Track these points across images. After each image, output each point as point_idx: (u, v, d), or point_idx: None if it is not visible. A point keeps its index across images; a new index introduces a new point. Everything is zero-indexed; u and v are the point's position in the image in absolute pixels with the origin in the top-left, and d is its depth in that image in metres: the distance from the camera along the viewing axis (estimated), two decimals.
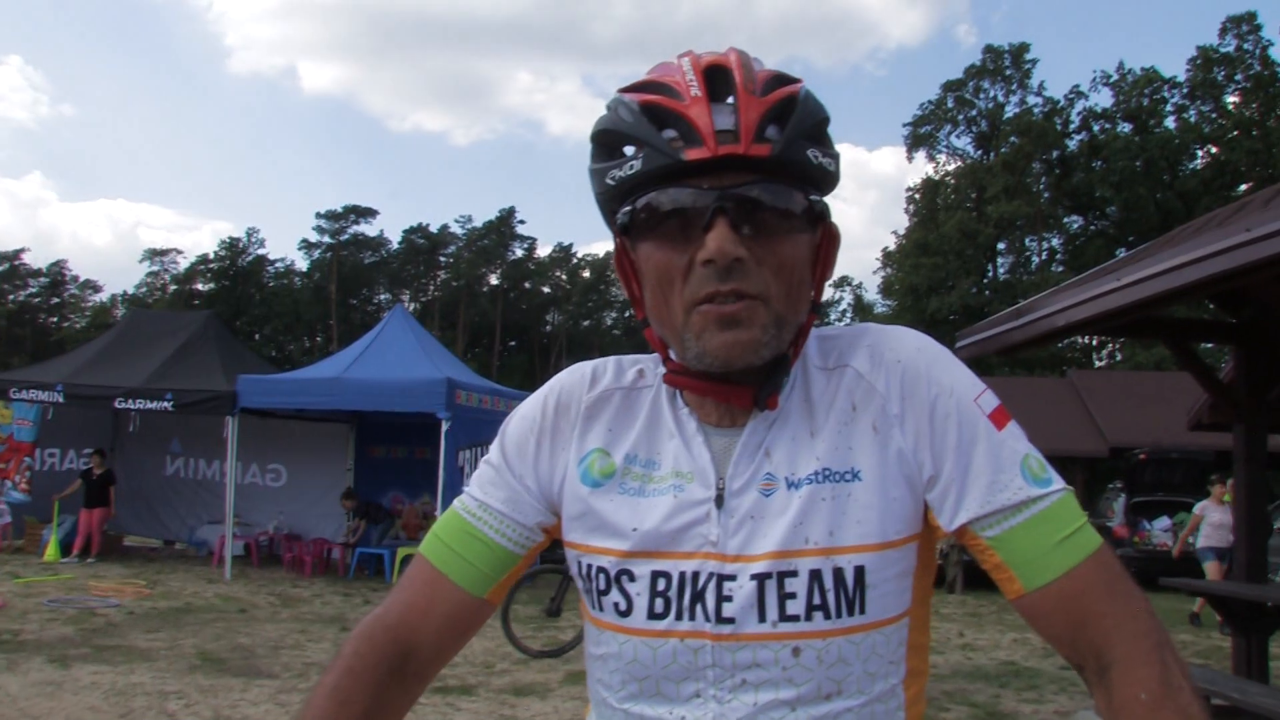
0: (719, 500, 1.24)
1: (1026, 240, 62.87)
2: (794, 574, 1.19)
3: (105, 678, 8.17)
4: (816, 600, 1.19)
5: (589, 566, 1.30)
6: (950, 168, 63.82)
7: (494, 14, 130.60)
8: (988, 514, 1.19)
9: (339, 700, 1.25)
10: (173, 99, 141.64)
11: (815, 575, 1.19)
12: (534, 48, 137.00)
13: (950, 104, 63.30)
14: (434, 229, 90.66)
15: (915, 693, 1.28)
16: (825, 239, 1.27)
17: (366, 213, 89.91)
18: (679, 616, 1.22)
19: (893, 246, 66.22)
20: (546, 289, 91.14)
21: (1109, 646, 1.14)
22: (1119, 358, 54.82)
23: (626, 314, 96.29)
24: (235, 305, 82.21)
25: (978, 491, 1.19)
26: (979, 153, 63.09)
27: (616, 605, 1.27)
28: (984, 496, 1.19)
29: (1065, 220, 61.83)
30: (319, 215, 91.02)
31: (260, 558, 17.56)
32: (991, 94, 62.52)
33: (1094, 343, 55.72)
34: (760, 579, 1.19)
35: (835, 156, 1.24)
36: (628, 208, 1.22)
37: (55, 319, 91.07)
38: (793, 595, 1.19)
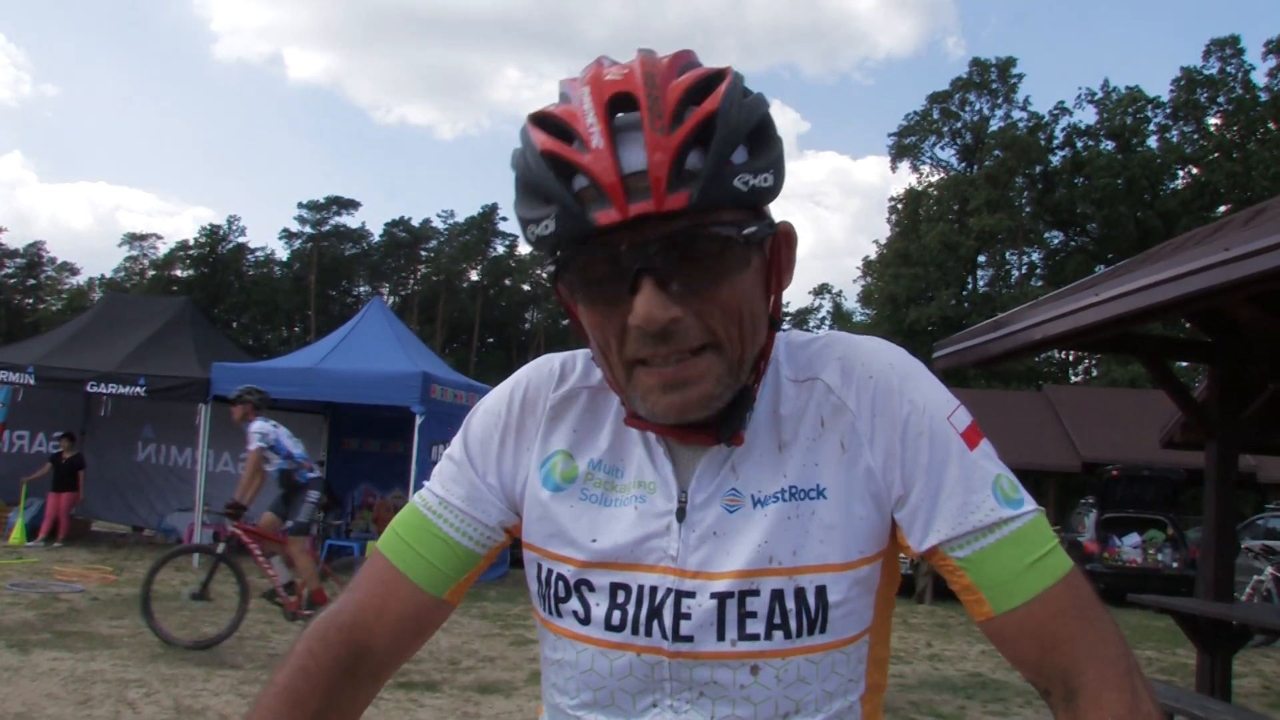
0: (680, 514, 1.20)
1: (1007, 254, 63.25)
2: (756, 593, 1.16)
3: (65, 664, 8.07)
4: (777, 620, 1.16)
5: (548, 572, 1.27)
6: (934, 179, 64.19)
7: (484, 8, 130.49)
8: (958, 535, 1.16)
9: (290, 700, 1.22)
10: (157, 83, 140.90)
11: (777, 595, 1.16)
12: (523, 44, 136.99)
13: (935, 115, 63.60)
14: (416, 223, 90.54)
15: (873, 707, 1.25)
16: (775, 248, 1.20)
17: (349, 204, 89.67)
18: (635, 631, 1.19)
19: (874, 255, 66.49)
20: (526, 287, 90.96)
21: (1077, 671, 1.12)
22: (1095, 374, 55.18)
23: None
24: (214, 292, 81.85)
25: (949, 513, 1.16)
26: (962, 165, 63.45)
27: (575, 613, 1.24)
28: (955, 518, 1.16)
29: (1046, 235, 62.19)
30: (301, 205, 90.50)
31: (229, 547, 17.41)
32: (977, 107, 62.90)
33: (1070, 358, 56.16)
34: (721, 598, 1.16)
35: (773, 163, 1.11)
36: (550, 266, 1.15)
37: (31, 300, 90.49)
38: (753, 614, 1.16)
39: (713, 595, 1.16)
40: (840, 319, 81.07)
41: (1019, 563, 1.15)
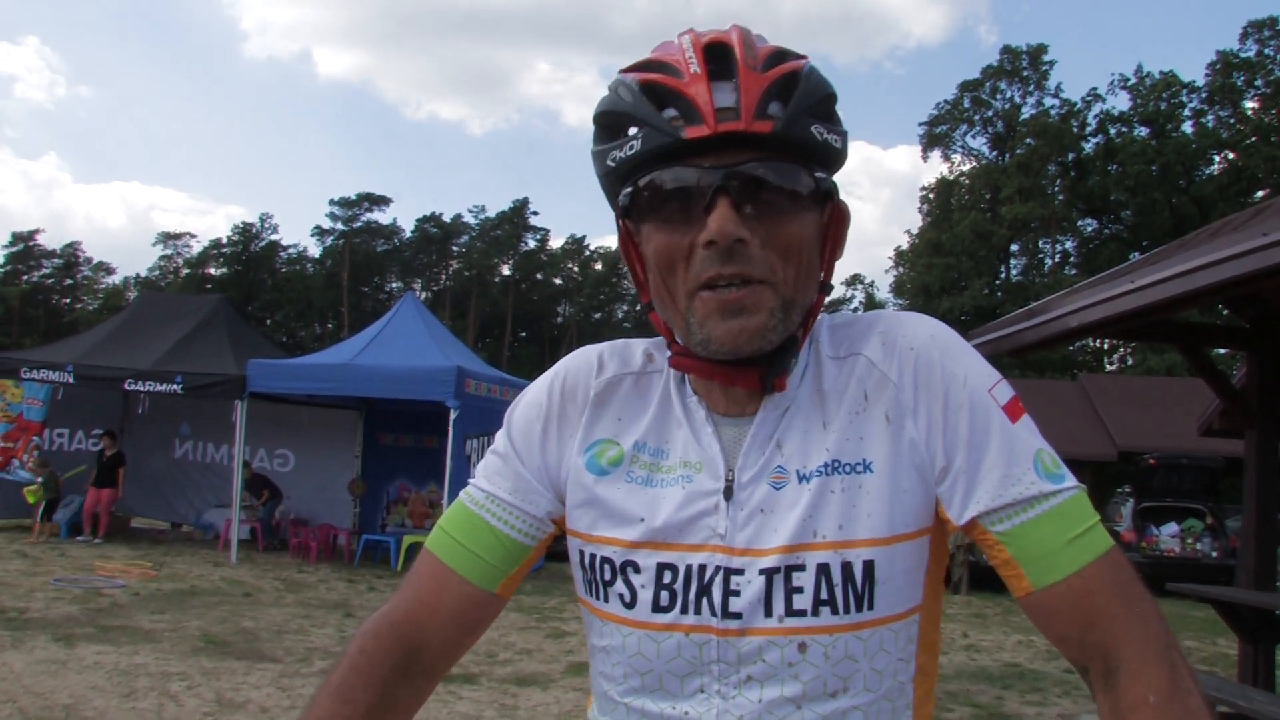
0: (728, 492, 1.21)
1: (1040, 242, 62.69)
2: (801, 568, 1.16)
3: (109, 658, 8.17)
4: (824, 595, 1.16)
5: (593, 557, 1.27)
6: (965, 168, 63.73)
7: (513, 3, 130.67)
8: (999, 508, 1.15)
9: (343, 698, 1.24)
10: (188, 82, 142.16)
11: (823, 569, 1.16)
12: (552, 38, 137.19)
13: (966, 104, 63.18)
14: (447, 218, 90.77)
15: (924, 692, 1.25)
16: (834, 218, 1.23)
17: (380, 200, 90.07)
18: (684, 610, 1.20)
19: (906, 246, 66.17)
20: (558, 281, 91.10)
21: (1117, 648, 1.11)
22: (1130, 362, 54.68)
23: (638, 307, 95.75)
24: (247, 290, 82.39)
25: (990, 485, 1.16)
26: (994, 154, 62.96)
27: (621, 597, 1.24)
28: (996, 490, 1.15)
29: (1079, 223, 61.57)
30: (332, 202, 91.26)
31: (265, 542, 17.57)
32: (1008, 95, 62.41)
33: (1105, 346, 55.68)
34: (769, 574, 1.17)
35: (843, 134, 1.21)
36: (628, 189, 1.19)
37: (68, 300, 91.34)
38: (800, 590, 1.16)
39: (761, 571, 1.17)
40: (872, 309, 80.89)
41: (1060, 538, 1.14)
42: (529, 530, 1.32)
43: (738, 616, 1.18)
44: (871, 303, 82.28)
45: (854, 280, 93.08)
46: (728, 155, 1.13)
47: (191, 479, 19.47)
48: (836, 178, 1.22)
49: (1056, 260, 61.55)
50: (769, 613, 1.17)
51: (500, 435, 1.36)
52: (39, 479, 16.70)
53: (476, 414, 14.75)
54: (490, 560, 1.31)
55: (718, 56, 1.15)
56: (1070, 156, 59.65)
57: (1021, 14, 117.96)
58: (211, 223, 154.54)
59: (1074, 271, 56.50)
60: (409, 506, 17.90)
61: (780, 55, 1.18)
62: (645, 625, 1.22)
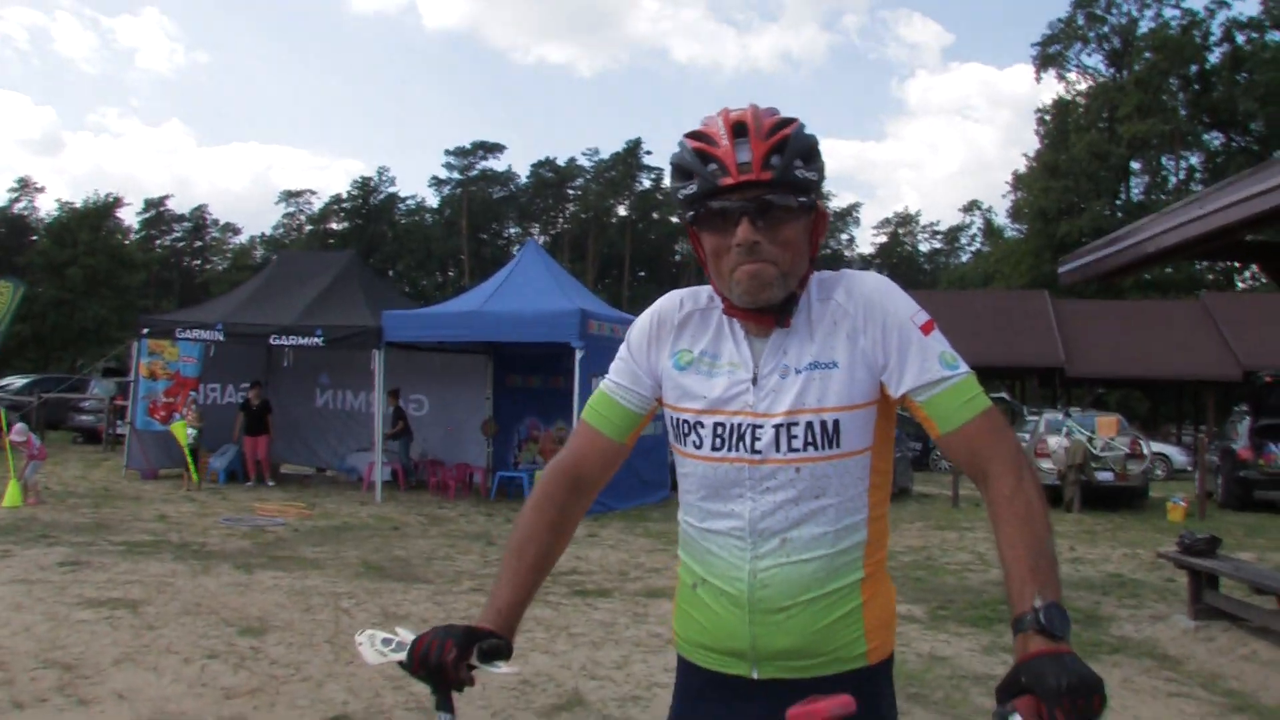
0: (755, 380, 1.94)
1: (1163, 159, 61.02)
2: (796, 423, 1.89)
3: (284, 581, 9.17)
4: (810, 439, 1.89)
5: (678, 419, 2.02)
6: (1081, 87, 62.14)
7: None
8: (918, 387, 1.88)
9: (538, 508, 2.06)
10: (299, 41, 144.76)
11: (809, 424, 1.89)
12: None
13: (1081, 21, 61.40)
14: (561, 162, 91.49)
15: (878, 498, 1.97)
16: (817, 219, 1.95)
17: (494, 148, 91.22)
18: (730, 449, 1.94)
19: (1023, 169, 64.89)
20: (675, 219, 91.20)
21: (989, 465, 1.84)
22: (1263, 280, 53.11)
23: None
24: (369, 243, 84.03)
25: (912, 374, 1.88)
26: (1111, 71, 61.26)
27: (694, 442, 1.98)
28: (915, 377, 1.88)
29: (1205, 137, 59.78)
30: (448, 152, 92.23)
31: (406, 483, 18.65)
32: (1125, 9, 60.40)
33: (1236, 265, 54.03)
34: (777, 427, 1.90)
35: (818, 168, 1.91)
36: (691, 212, 1.91)
37: (199, 262, 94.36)
38: (796, 436, 1.90)
39: (773, 426, 1.90)
40: (991, 235, 79.54)
41: (955, 402, 1.86)
42: (640, 403, 2.09)
43: (759, 452, 1.91)
44: (990, 228, 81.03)
45: (971, 206, 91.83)
46: (747, 192, 1.84)
47: (333, 426, 20.61)
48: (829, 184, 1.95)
49: (1181, 177, 59.84)
50: (778, 450, 1.90)
51: (623, 347, 2.15)
52: (197, 428, 17.87)
53: (600, 353, 15.44)
54: (618, 423, 2.10)
55: (739, 130, 1.85)
56: (1193, 69, 57.62)
57: None
58: (330, 178, 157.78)
59: (1200, 188, 54.86)
60: (539, 444, 18.77)
61: (779, 124, 1.87)
62: (708, 459, 1.96)
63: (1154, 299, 46.63)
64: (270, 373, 20.34)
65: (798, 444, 1.88)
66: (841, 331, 1.91)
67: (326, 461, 20.84)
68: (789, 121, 1.89)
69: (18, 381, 33.27)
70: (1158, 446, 28.28)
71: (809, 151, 1.90)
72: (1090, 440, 18.52)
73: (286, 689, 5.91)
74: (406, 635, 1.89)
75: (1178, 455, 28.32)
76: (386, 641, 1.90)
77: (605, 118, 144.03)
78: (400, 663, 1.86)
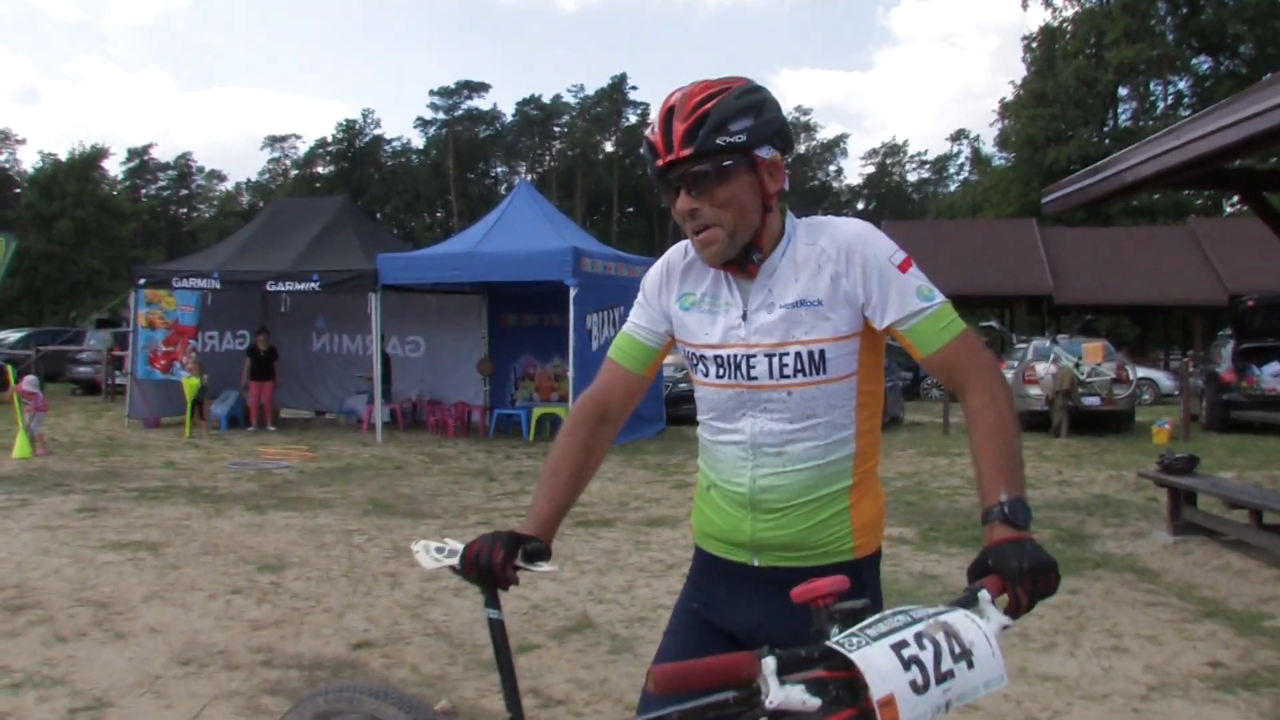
0: (744, 316, 2.20)
1: (1151, 85, 60.71)
2: (787, 353, 2.16)
3: (296, 520, 9.49)
4: (799, 366, 2.15)
5: (690, 353, 2.30)
6: (1068, 14, 61.63)
7: None
8: (900, 318, 2.11)
9: (570, 434, 2.37)
10: None
11: (798, 354, 2.15)
12: None
13: None
14: (546, 100, 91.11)
15: (868, 414, 2.23)
16: (768, 167, 2.11)
17: (479, 87, 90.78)
18: (731, 377, 2.22)
19: (1010, 97, 64.65)
20: None
21: (966, 380, 2.11)
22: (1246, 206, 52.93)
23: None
24: (356, 186, 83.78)
25: (894, 307, 2.11)
26: None
27: (703, 371, 2.27)
28: (897, 309, 2.11)
29: (1193, 62, 59.33)
30: (432, 92, 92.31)
31: (405, 423, 18.99)
32: None
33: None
34: (769, 356, 2.16)
35: (751, 128, 2.06)
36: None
37: (185, 210, 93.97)
38: (786, 364, 2.15)
39: (765, 355, 2.16)
40: (979, 164, 79.48)
41: (933, 328, 2.10)
42: (656, 340, 2.37)
43: (756, 379, 2.18)
44: (978, 158, 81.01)
45: (958, 135, 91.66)
46: (675, 169, 2.07)
47: (330, 370, 20.94)
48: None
49: (1169, 103, 59.50)
50: (771, 376, 2.16)
51: (639, 292, 2.41)
52: (203, 377, 18.16)
53: (595, 290, 15.73)
54: (639, 357, 2.39)
55: (669, 113, 2.07)
56: None
57: None
58: (315, 122, 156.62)
59: (1189, 113, 54.66)
60: (535, 381, 19.08)
61: (705, 99, 2.06)
62: (715, 385, 2.25)
63: (1142, 225, 46.83)
64: (267, 319, 20.51)
65: (788, 371, 2.14)
66: (825, 274, 2.14)
67: (326, 405, 21.17)
68: (718, 93, 2.08)
69: (12, 336, 33.37)
70: (1145, 371, 28.65)
71: (735, 115, 2.06)
72: (1077, 366, 18.86)
73: (309, 620, 6.22)
74: (455, 544, 2.19)
75: (1165, 380, 28.70)
76: (439, 549, 2.21)
77: (590, 54, 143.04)
78: (452, 567, 2.16)
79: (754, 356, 2.17)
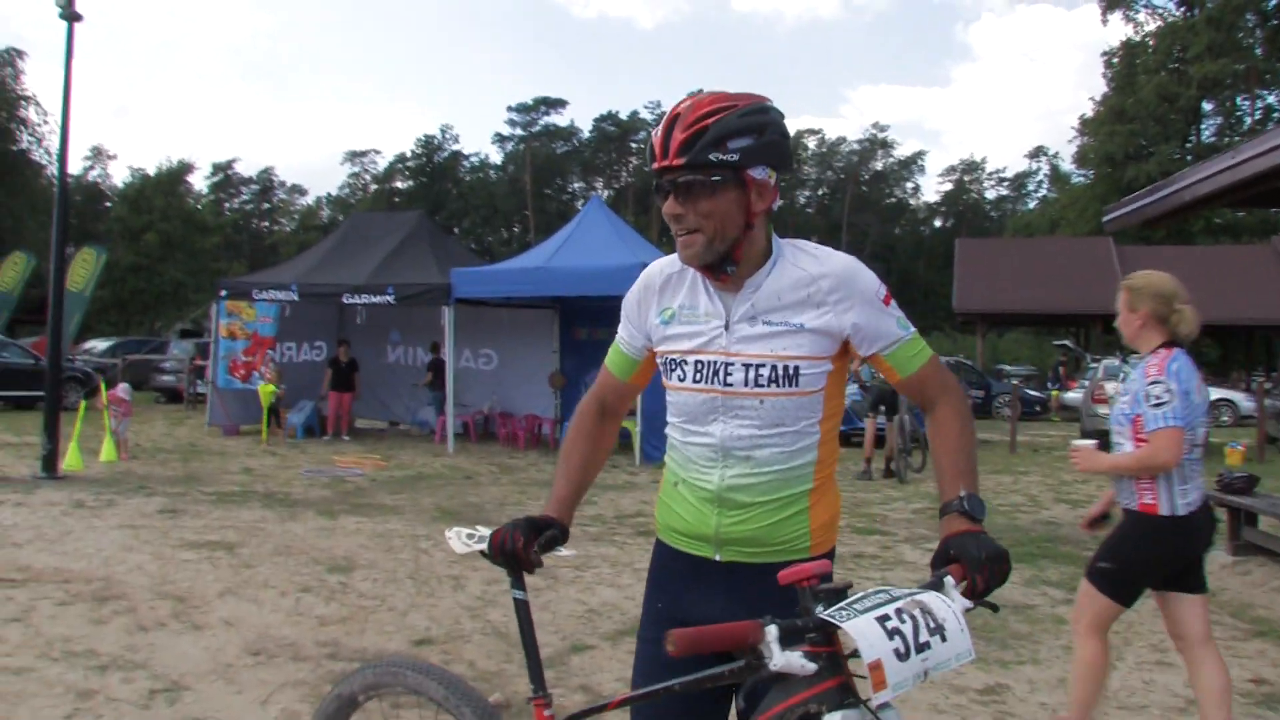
0: (727, 325, 2.33)
1: (1238, 99, 59.68)
2: (764, 365, 2.30)
3: (366, 525, 9.80)
4: (774, 378, 2.30)
5: (669, 359, 2.43)
6: (1149, 28, 60.81)
7: None
8: (883, 346, 2.32)
9: (578, 427, 2.64)
10: (356, 2, 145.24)
11: (774, 367, 2.30)
12: None
13: None
14: (624, 116, 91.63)
15: (829, 428, 2.41)
16: (757, 187, 2.23)
17: (557, 103, 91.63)
18: (707, 382, 2.36)
19: (1090, 114, 63.87)
20: None
21: (936, 398, 2.37)
22: None
23: (820, 192, 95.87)
24: (434, 201, 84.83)
25: (879, 338, 2.32)
26: (1181, 10, 59.79)
27: (679, 376, 2.41)
28: (882, 340, 2.32)
29: None
30: (510, 108, 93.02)
31: (477, 434, 19.33)
32: None
33: None
34: (747, 366, 2.31)
35: (742, 149, 2.18)
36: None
37: (267, 224, 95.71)
38: (762, 375, 2.30)
39: (744, 364, 2.30)
40: (1058, 182, 78.56)
41: (908, 354, 2.34)
42: (638, 353, 2.55)
43: (730, 385, 2.32)
44: (1057, 175, 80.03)
45: (1037, 152, 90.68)
46: (667, 175, 2.21)
47: (404, 381, 21.26)
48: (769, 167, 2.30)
49: (1257, 117, 58.36)
50: (747, 385, 2.30)
51: (623, 309, 2.56)
52: (280, 386, 18.66)
53: None
54: (625, 366, 2.60)
55: (673, 121, 2.20)
56: (1270, 4, 55.93)
57: None
58: (394, 138, 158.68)
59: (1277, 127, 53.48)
60: None
61: (709, 114, 2.18)
62: (691, 389, 2.38)
63: (1225, 243, 46.04)
64: (343, 330, 21.02)
65: (763, 381, 2.29)
66: (812, 304, 2.29)
67: (399, 416, 21.58)
68: (725, 109, 2.20)
69: (101, 345, 34.40)
70: (1224, 393, 28.25)
71: (735, 134, 2.19)
72: None
73: (375, 618, 6.49)
74: (485, 530, 2.44)
75: (1245, 401, 28.23)
76: (470, 535, 2.48)
77: (667, 70, 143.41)
78: (482, 551, 2.40)
79: (732, 365, 2.31)
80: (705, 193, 2.21)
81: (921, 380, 2.37)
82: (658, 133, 2.22)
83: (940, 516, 2.22)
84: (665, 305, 2.45)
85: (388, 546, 8.79)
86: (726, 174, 2.20)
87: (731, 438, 2.34)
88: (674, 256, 2.46)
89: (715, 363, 2.34)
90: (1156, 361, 4.14)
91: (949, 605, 1.85)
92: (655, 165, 2.22)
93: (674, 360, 2.42)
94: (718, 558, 2.40)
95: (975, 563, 1.97)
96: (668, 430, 2.51)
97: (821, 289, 2.30)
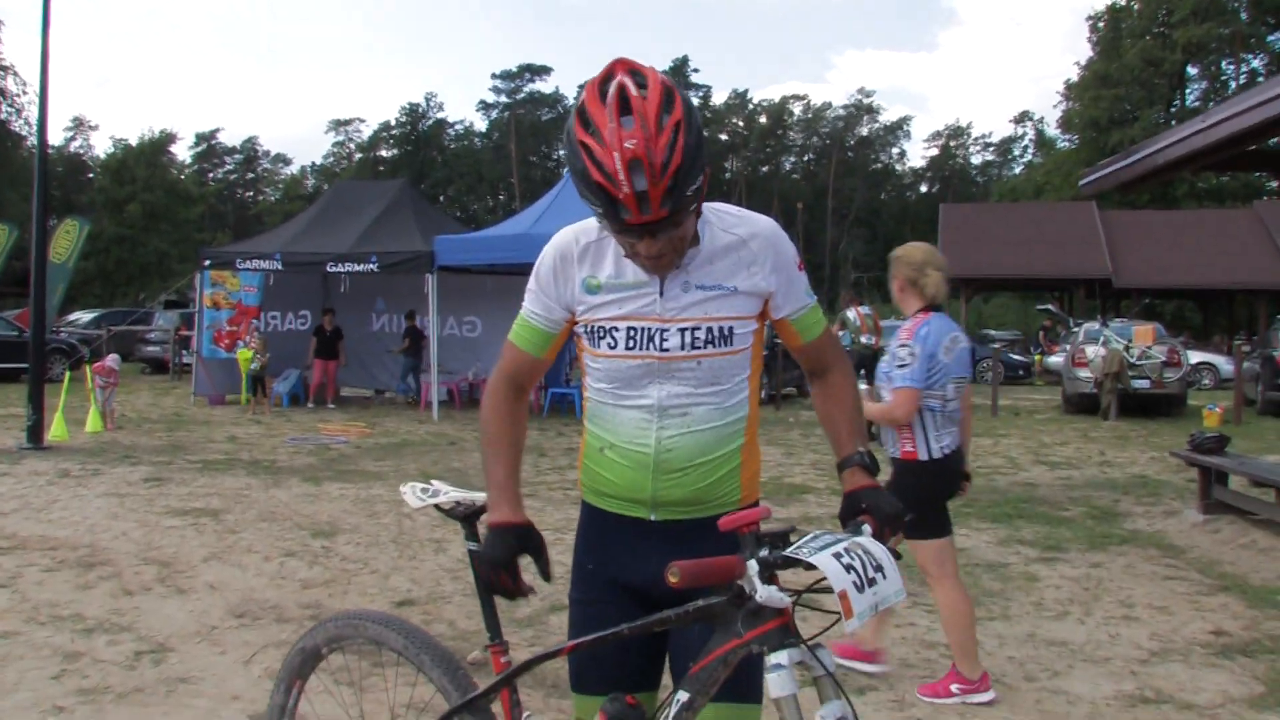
0: (660, 291, 2.34)
1: (1223, 64, 59.72)
2: (699, 329, 2.34)
3: (350, 491, 9.91)
4: (709, 339, 2.35)
5: (594, 327, 2.38)
6: None
7: None
8: (791, 311, 2.42)
9: (496, 410, 2.52)
10: None
11: (709, 329, 2.35)
12: None
13: None
14: None
15: (754, 383, 2.48)
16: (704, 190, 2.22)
17: (541, 70, 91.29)
18: (644, 348, 2.37)
19: (1075, 78, 63.88)
20: (724, 136, 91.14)
21: (830, 364, 2.51)
22: None
23: (806, 158, 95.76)
24: (419, 169, 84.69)
25: (793, 302, 2.41)
26: None
27: (609, 344, 2.37)
28: (794, 304, 2.42)
29: (1269, 39, 58.15)
30: (494, 76, 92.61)
31: (462, 401, 19.43)
32: None
33: None
34: (683, 330, 2.34)
35: (700, 173, 2.13)
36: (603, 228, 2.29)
37: (251, 194, 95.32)
38: (698, 338, 2.34)
39: (679, 329, 2.31)
40: (1043, 147, 78.63)
41: (811, 320, 2.47)
42: (553, 326, 2.46)
43: (668, 350, 2.32)
44: (1042, 140, 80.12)
45: (1022, 117, 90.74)
46: (653, 225, 2.11)
47: (388, 349, 21.29)
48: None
49: (1242, 81, 58.30)
50: (683, 349, 2.32)
51: (532, 279, 2.46)
52: (264, 355, 18.67)
53: None
54: (538, 342, 2.49)
55: (634, 166, 2.04)
56: None
57: None
58: (378, 106, 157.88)
59: None
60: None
61: (667, 160, 2.06)
62: (624, 356, 2.36)
63: (1209, 208, 46.20)
64: (327, 299, 21.01)
65: (699, 344, 2.33)
66: (743, 265, 2.35)
67: (384, 383, 21.64)
68: (674, 140, 2.08)
69: (85, 316, 34.37)
70: (1206, 356, 28.46)
71: (696, 167, 2.13)
72: (1127, 349, 18.86)
73: (357, 580, 6.60)
74: (440, 485, 2.55)
75: (1225, 365, 28.41)
76: (424, 490, 2.59)
77: (651, 36, 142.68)
78: (436, 505, 2.50)
79: (667, 330, 2.32)
80: (679, 224, 2.20)
81: (820, 346, 2.51)
82: (623, 189, 2.05)
83: (840, 470, 2.39)
84: (588, 275, 2.42)
85: (371, 512, 8.90)
86: (696, 201, 2.22)
87: (669, 396, 2.37)
88: (587, 224, 2.42)
89: (650, 329, 2.34)
90: (910, 325, 4.71)
91: (881, 547, 1.98)
92: (629, 221, 2.10)
93: (601, 328, 2.40)
94: (653, 518, 2.44)
95: (887, 517, 2.20)
96: (589, 396, 2.50)
97: (752, 250, 2.36)
